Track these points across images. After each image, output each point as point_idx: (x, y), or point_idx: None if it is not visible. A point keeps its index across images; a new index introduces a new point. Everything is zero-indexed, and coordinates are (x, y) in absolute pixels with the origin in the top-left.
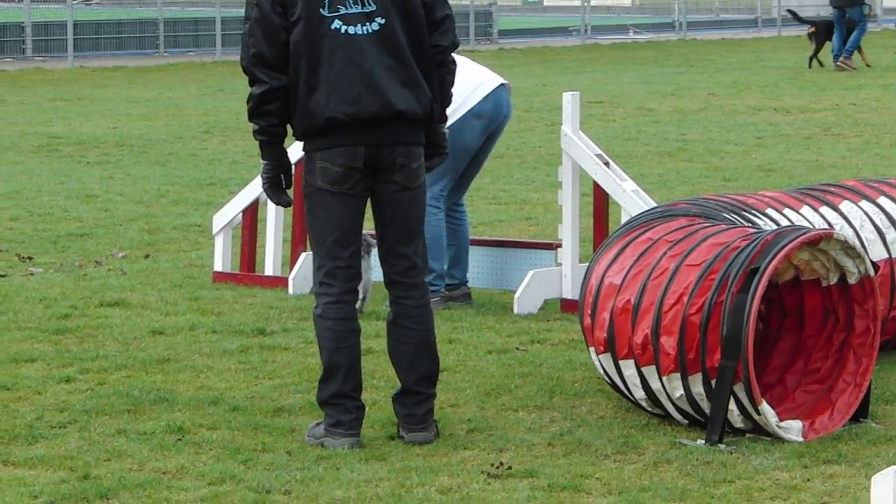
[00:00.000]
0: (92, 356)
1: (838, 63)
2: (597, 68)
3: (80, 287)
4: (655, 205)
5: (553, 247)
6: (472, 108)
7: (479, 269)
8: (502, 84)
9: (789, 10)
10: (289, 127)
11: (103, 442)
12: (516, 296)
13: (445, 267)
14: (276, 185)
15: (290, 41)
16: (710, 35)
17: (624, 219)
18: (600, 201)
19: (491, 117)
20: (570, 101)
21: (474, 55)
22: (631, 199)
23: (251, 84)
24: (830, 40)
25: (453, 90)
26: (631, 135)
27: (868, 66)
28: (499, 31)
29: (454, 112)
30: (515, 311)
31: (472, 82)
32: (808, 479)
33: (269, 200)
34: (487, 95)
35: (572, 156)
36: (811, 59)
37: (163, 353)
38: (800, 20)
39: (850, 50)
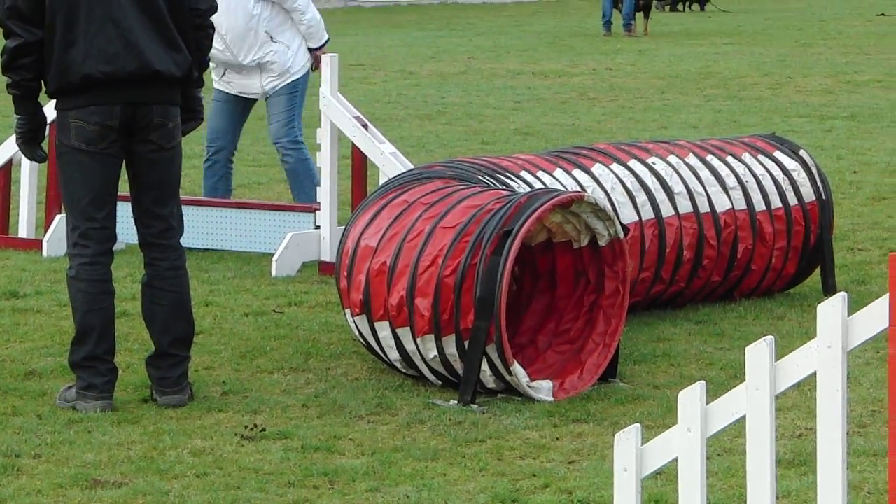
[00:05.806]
0: None
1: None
2: (358, 31)
3: None
4: (413, 167)
5: (311, 209)
6: None
7: (237, 231)
8: None
9: None
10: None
11: None
12: (274, 258)
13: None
14: (31, 141)
15: None
16: None
17: (382, 181)
18: (358, 164)
19: None
20: (328, 64)
21: None
22: (389, 161)
23: (6, 37)
24: (618, 7)
25: None
26: (392, 98)
27: (645, 34)
28: None
29: None
30: (273, 273)
31: None
32: (558, 438)
33: (22, 160)
34: None
35: (331, 118)
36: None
37: None
38: None
39: (627, 24)
